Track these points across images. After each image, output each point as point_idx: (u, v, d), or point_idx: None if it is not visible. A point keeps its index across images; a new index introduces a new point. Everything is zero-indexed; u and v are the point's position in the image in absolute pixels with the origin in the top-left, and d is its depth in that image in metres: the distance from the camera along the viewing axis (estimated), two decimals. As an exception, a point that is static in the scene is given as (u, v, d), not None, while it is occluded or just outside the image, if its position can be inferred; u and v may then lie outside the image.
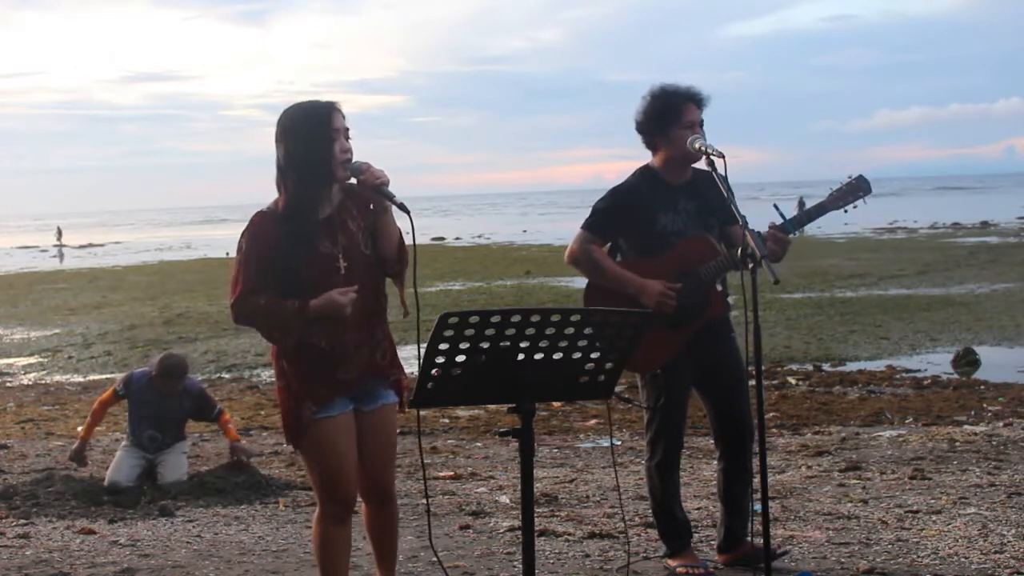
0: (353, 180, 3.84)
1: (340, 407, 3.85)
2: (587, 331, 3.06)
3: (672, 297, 4.60)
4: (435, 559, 5.14)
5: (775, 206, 4.71)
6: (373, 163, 3.81)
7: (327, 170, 3.75)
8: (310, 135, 3.71)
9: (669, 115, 4.66)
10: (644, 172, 4.81)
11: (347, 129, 3.77)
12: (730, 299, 4.81)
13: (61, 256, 52.31)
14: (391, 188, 3.79)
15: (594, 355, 3.12)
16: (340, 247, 3.78)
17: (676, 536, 4.89)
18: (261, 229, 3.77)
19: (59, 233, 67.57)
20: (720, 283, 4.76)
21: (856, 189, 4.62)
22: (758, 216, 4.72)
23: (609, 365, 3.17)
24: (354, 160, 3.78)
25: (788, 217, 4.62)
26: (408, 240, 3.88)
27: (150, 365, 7.39)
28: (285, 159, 3.76)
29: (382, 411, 3.94)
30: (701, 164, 4.62)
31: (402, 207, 3.73)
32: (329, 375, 3.82)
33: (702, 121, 4.68)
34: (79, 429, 7.80)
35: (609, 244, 4.87)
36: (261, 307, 3.73)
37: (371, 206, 3.85)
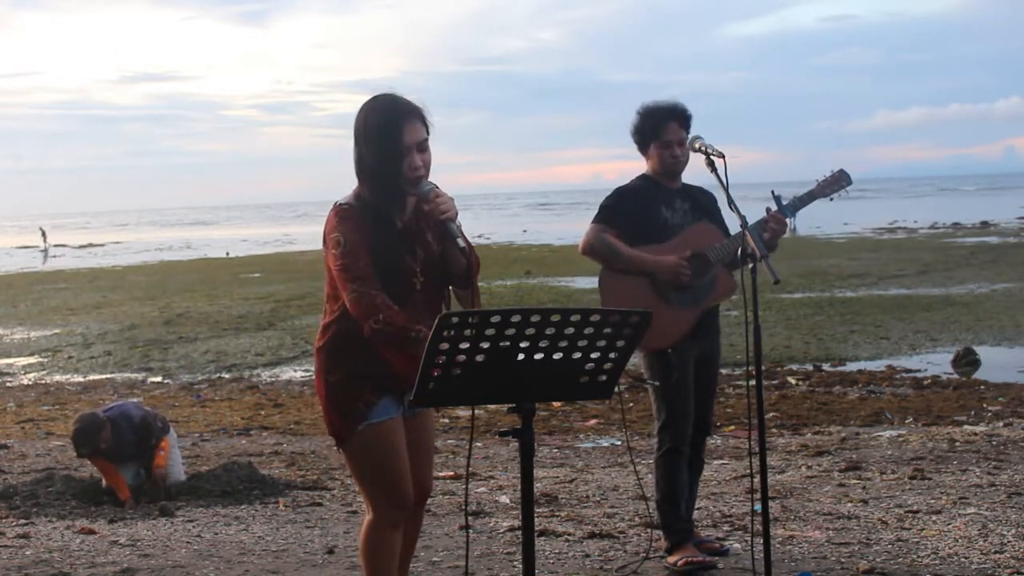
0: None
1: (387, 411, 3.65)
2: (587, 331, 3.06)
3: (687, 268, 4.90)
4: (434, 559, 5.15)
5: (772, 192, 5.25)
6: None
7: (396, 186, 3.57)
8: (381, 149, 3.52)
9: (650, 134, 5.04)
10: (643, 178, 5.16)
11: (423, 140, 3.55)
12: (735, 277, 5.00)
13: (45, 258, 49.60)
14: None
15: (594, 355, 3.12)
16: (419, 261, 3.64)
17: (678, 531, 4.98)
18: (360, 221, 3.55)
19: (43, 235, 61.59)
20: (726, 266, 5.03)
21: (839, 180, 5.07)
22: (759, 215, 4.94)
23: (609, 365, 3.17)
24: (426, 180, 3.58)
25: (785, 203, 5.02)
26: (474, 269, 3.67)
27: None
28: (358, 164, 3.60)
29: (425, 412, 3.88)
30: (699, 165, 4.76)
31: (462, 252, 3.54)
32: (381, 374, 3.63)
33: (682, 140, 4.99)
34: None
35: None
36: (383, 320, 3.48)
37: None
